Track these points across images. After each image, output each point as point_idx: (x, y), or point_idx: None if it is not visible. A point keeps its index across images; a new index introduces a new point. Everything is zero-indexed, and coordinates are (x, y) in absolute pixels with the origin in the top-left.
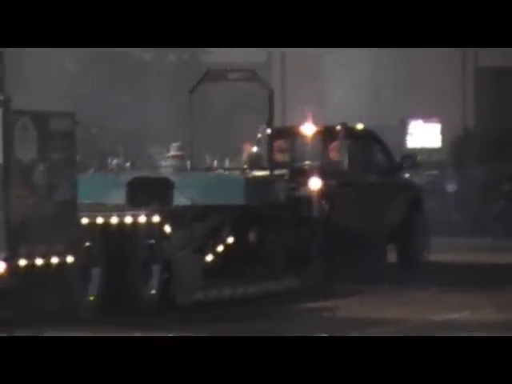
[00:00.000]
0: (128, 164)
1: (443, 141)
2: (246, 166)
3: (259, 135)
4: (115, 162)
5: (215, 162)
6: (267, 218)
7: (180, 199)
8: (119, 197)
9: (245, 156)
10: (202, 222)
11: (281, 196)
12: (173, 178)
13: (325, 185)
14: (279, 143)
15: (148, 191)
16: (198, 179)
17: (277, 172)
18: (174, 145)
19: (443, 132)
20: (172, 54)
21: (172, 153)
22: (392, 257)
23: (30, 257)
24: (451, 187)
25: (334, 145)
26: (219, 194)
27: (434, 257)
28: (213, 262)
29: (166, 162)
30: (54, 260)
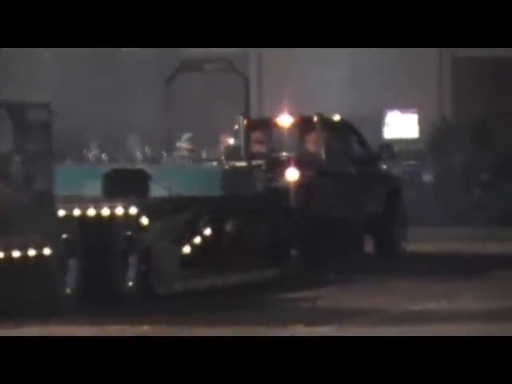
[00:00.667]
0: (104, 155)
1: (420, 131)
2: (223, 157)
3: (236, 126)
4: (92, 153)
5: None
6: (245, 209)
7: (157, 191)
8: (95, 188)
9: (222, 147)
10: (180, 212)
11: (258, 186)
12: (149, 169)
13: (302, 175)
14: (256, 134)
15: (125, 183)
16: (175, 170)
17: (254, 163)
18: (185, 136)
19: (420, 122)
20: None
21: (184, 145)
22: (370, 247)
23: (7, 249)
24: (429, 177)
25: (311, 135)
26: (196, 185)
27: (412, 246)
28: (191, 252)
29: (176, 152)
30: (32, 252)
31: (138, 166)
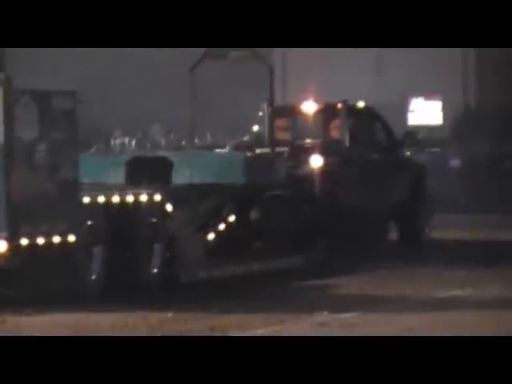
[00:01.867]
0: (127, 143)
1: (444, 118)
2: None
3: (260, 113)
4: (118, 141)
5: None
6: (269, 196)
7: (179, 178)
8: (118, 176)
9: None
10: (204, 200)
11: (281, 174)
12: (172, 157)
13: (326, 162)
14: (280, 121)
15: (147, 170)
16: (197, 158)
17: (278, 150)
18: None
19: (444, 109)
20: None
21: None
22: (394, 234)
23: (32, 236)
24: (453, 164)
25: (335, 122)
26: (218, 173)
27: (436, 234)
28: (216, 240)
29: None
30: (56, 239)
31: (160, 154)
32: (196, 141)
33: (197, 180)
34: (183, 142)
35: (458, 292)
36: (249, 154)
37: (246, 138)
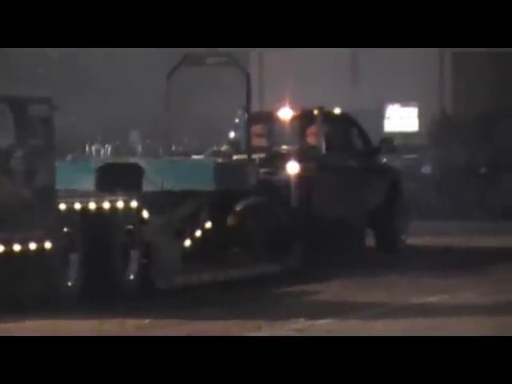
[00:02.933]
0: (103, 150)
1: (420, 124)
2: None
3: (237, 120)
4: (94, 148)
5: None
6: (246, 203)
7: (150, 185)
8: (89, 183)
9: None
10: (180, 206)
11: (253, 180)
12: (143, 163)
13: (302, 169)
14: (257, 128)
15: (118, 177)
16: (168, 164)
17: (254, 156)
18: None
19: (420, 116)
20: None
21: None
22: (370, 241)
23: (8, 243)
24: (428, 170)
25: (312, 129)
26: (190, 179)
27: (412, 240)
28: (192, 246)
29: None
30: (33, 246)
31: (131, 160)
32: (173, 148)
33: (168, 186)
34: (160, 149)
35: (433, 299)
36: (219, 160)
37: (224, 148)
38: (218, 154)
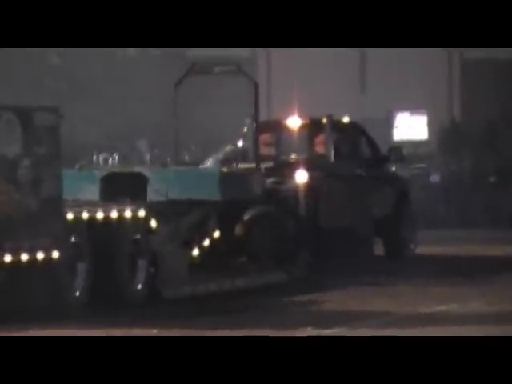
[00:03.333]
0: (110, 159)
1: (430, 133)
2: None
3: (245, 129)
4: (101, 157)
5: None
6: (253, 212)
7: (154, 194)
8: (94, 192)
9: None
10: (187, 216)
11: (258, 190)
12: (147, 172)
13: (311, 178)
14: (265, 136)
15: (122, 186)
16: (172, 174)
17: (263, 165)
18: (226, 149)
19: (430, 124)
20: (156, 49)
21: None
22: (379, 250)
23: (16, 252)
24: (436, 178)
25: (320, 138)
26: (195, 189)
27: (421, 249)
28: (199, 256)
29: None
30: (40, 255)
31: (135, 170)
32: (186, 157)
33: (173, 196)
34: (168, 158)
35: (442, 307)
36: (224, 169)
37: (228, 149)
38: (223, 158)
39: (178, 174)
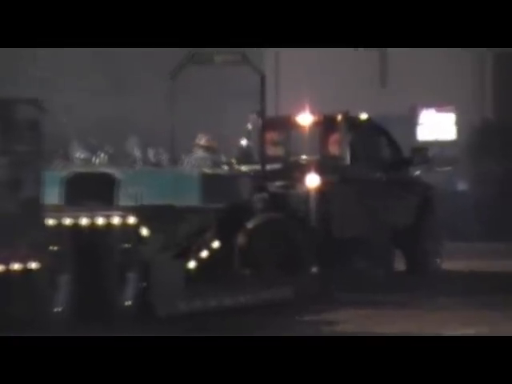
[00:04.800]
0: (94, 157)
1: (458, 133)
2: (233, 161)
3: (249, 126)
4: (82, 156)
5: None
6: (256, 220)
7: (125, 199)
8: (54, 195)
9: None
10: (183, 224)
11: (245, 195)
12: (117, 173)
13: (323, 182)
14: (272, 135)
15: (87, 188)
16: (148, 175)
17: (269, 167)
18: (201, 135)
19: (458, 123)
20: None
21: (200, 142)
22: (399, 264)
23: None
24: (465, 183)
25: (334, 137)
26: (172, 193)
27: (447, 264)
28: (197, 268)
29: (193, 154)
30: (16, 266)
31: (102, 170)
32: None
33: (147, 200)
34: (163, 158)
35: (471, 331)
36: (207, 171)
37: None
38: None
39: (152, 175)
